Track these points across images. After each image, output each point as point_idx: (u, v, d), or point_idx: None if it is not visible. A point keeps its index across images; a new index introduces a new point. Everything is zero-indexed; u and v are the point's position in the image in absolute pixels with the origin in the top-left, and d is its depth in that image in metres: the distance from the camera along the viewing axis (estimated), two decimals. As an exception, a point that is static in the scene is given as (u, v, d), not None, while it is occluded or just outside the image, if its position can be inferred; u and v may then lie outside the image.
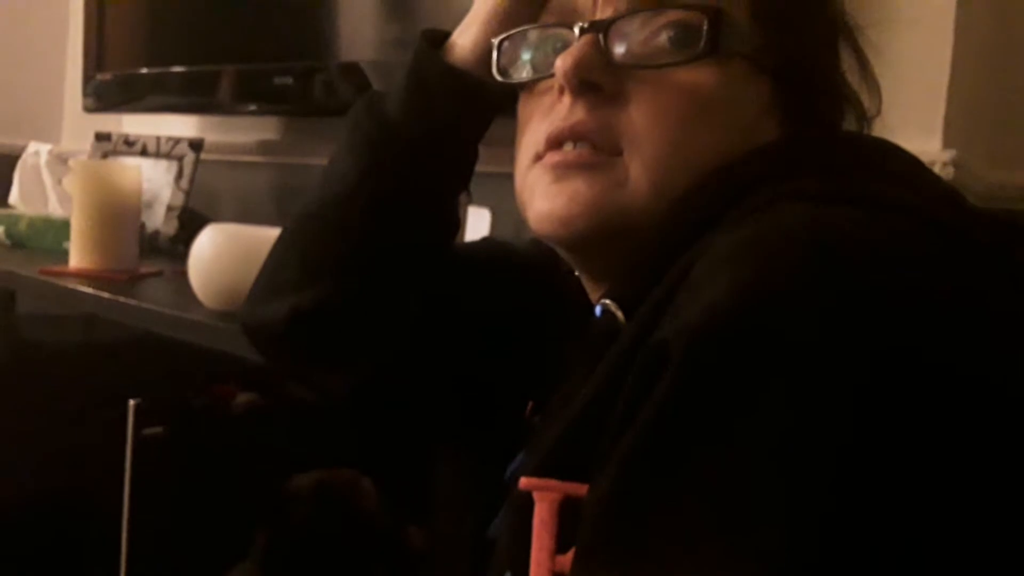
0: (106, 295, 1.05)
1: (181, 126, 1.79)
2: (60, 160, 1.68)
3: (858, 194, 0.39)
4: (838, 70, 0.52)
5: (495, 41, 0.54)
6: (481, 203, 1.05)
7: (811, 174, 0.42)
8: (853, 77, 0.53)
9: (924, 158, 0.87)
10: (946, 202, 0.42)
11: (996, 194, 0.99)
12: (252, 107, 1.48)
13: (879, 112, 0.53)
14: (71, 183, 1.26)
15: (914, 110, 0.89)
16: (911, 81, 0.89)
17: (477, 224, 1.01)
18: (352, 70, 1.28)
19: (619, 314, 0.44)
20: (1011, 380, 0.32)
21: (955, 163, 0.87)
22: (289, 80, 1.36)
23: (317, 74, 1.33)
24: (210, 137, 1.71)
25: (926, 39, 0.89)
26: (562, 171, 0.47)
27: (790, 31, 0.49)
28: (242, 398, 0.98)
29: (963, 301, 0.34)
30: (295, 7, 1.40)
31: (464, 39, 0.56)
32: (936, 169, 0.87)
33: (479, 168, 0.60)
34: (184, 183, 1.57)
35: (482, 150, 0.60)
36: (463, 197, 0.62)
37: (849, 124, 0.53)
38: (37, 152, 1.69)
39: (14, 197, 1.70)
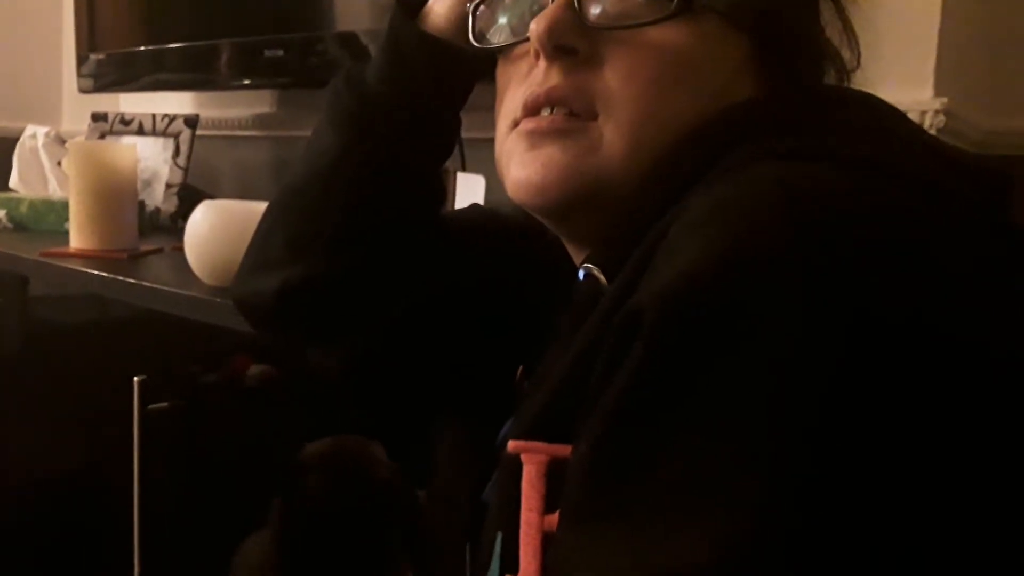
0: (105, 274, 1.05)
1: (178, 103, 1.79)
2: (58, 141, 1.68)
3: (832, 151, 0.39)
4: (817, 24, 0.51)
5: (470, 6, 0.53)
6: (475, 169, 1.05)
7: (787, 132, 0.42)
8: (835, 30, 0.52)
9: (915, 107, 0.88)
10: (926, 156, 0.41)
11: (993, 140, 0.99)
12: (247, 81, 1.48)
13: (859, 65, 0.52)
14: (68, 165, 1.27)
15: (905, 59, 0.88)
16: (901, 30, 0.88)
17: (471, 190, 1.01)
18: (349, 40, 1.28)
19: (601, 278, 0.44)
20: (989, 335, 0.32)
21: (947, 111, 0.86)
22: (280, 52, 1.36)
23: (315, 45, 1.32)
24: (208, 113, 1.71)
25: (916, -14, 0.88)
26: (537, 138, 0.47)
27: None
28: (255, 370, 0.98)
29: (937, 259, 0.34)
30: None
31: (439, 6, 0.56)
32: (928, 117, 0.86)
33: (473, 134, 0.60)
34: (181, 160, 1.58)
35: (475, 116, 0.60)
36: (449, 165, 0.62)
37: (832, 78, 0.52)
38: (35, 135, 1.69)
39: (14, 180, 1.71)
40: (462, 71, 0.57)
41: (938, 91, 0.88)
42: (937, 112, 0.86)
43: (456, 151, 1.08)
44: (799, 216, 0.33)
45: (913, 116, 0.87)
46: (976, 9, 0.96)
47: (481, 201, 1.01)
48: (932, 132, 0.87)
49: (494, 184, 1.05)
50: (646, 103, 0.45)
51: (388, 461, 0.91)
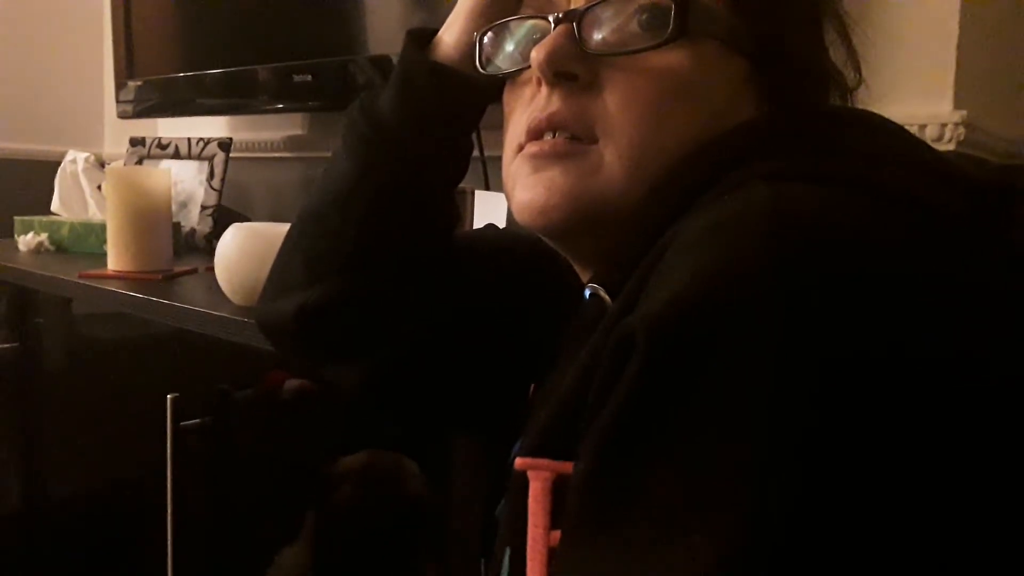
0: (138, 295, 1.08)
1: (213, 126, 1.83)
2: (97, 166, 1.73)
3: (826, 172, 0.39)
4: (819, 45, 0.51)
5: (476, 35, 0.55)
6: (499, 188, 1.06)
7: (783, 153, 0.42)
8: (840, 50, 0.52)
9: (935, 120, 0.87)
10: (923, 174, 0.41)
11: (1016, 150, 0.97)
12: (280, 105, 1.51)
13: (859, 84, 0.52)
14: (105, 189, 1.31)
15: (923, 73, 0.87)
16: (919, 44, 0.87)
17: (493, 208, 1.02)
18: (379, 63, 1.30)
19: (606, 297, 0.45)
20: (975, 358, 0.32)
21: (967, 123, 0.85)
22: (309, 77, 1.39)
23: (346, 68, 1.35)
24: (241, 135, 1.75)
25: (933, 2, 0.87)
26: (540, 161, 0.48)
27: (765, 11, 0.49)
28: (292, 383, 1.00)
29: (926, 282, 0.34)
30: (322, 4, 1.42)
31: (448, 35, 0.57)
32: (948, 130, 0.86)
33: (497, 152, 0.61)
34: (216, 182, 1.62)
35: (499, 134, 0.61)
36: (467, 185, 0.63)
37: (837, 98, 0.53)
38: (75, 160, 1.74)
39: (56, 204, 1.76)
40: (472, 97, 0.58)
41: (957, 104, 0.87)
42: (957, 125, 0.85)
43: (480, 170, 1.10)
44: (786, 240, 0.33)
45: (933, 129, 0.87)
46: (994, 20, 0.95)
47: (503, 219, 1.02)
48: (952, 145, 0.86)
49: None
50: (645, 127, 0.46)
51: (420, 475, 0.92)
